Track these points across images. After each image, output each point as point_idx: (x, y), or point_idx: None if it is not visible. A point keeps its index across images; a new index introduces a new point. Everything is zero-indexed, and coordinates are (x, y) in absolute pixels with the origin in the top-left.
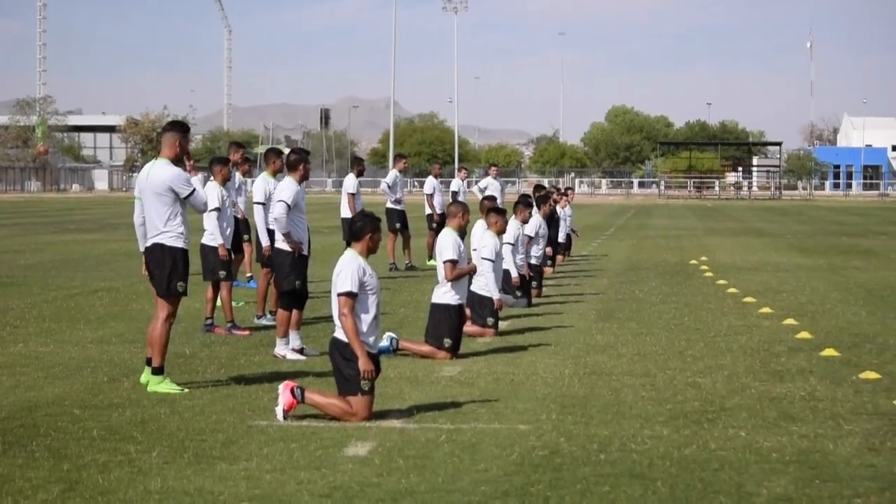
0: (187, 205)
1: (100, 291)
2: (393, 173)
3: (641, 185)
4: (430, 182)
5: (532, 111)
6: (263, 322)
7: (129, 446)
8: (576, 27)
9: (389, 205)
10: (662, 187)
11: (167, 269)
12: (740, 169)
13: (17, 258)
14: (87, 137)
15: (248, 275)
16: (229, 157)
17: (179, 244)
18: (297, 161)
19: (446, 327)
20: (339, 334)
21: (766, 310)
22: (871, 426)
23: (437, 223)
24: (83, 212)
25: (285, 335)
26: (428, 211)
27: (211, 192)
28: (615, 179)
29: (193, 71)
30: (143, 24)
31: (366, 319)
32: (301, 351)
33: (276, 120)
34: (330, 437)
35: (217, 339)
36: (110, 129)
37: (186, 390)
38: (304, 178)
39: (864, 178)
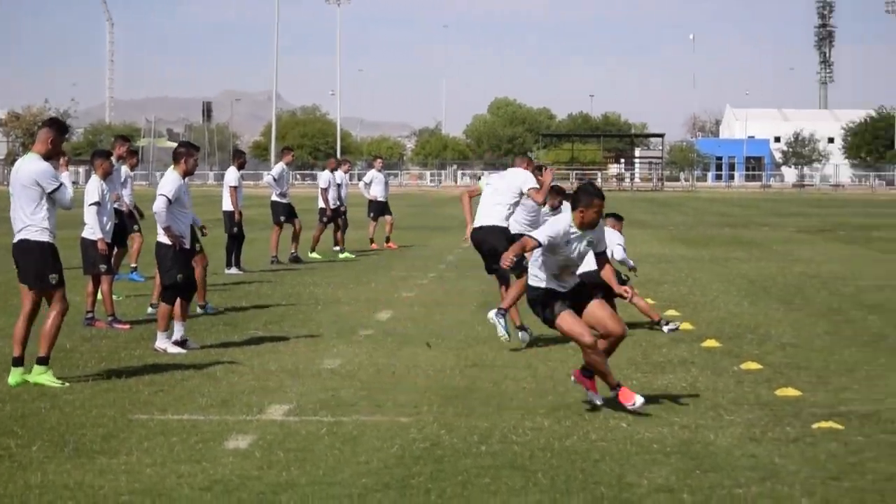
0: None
1: None
2: (280, 166)
3: None
4: (325, 176)
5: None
6: (198, 311)
7: (9, 441)
8: (459, 19)
9: (275, 198)
10: None
11: (38, 262)
12: (623, 160)
13: None
14: None
15: (133, 265)
16: (114, 150)
17: (45, 238)
18: (180, 154)
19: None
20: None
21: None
22: (752, 416)
23: (328, 218)
24: None
25: (166, 329)
26: (321, 205)
27: (91, 186)
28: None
29: (75, 64)
30: (22, 15)
31: None
32: (183, 343)
33: (158, 113)
34: (210, 431)
35: (98, 333)
36: None
37: (67, 384)
38: (188, 173)
39: (747, 169)
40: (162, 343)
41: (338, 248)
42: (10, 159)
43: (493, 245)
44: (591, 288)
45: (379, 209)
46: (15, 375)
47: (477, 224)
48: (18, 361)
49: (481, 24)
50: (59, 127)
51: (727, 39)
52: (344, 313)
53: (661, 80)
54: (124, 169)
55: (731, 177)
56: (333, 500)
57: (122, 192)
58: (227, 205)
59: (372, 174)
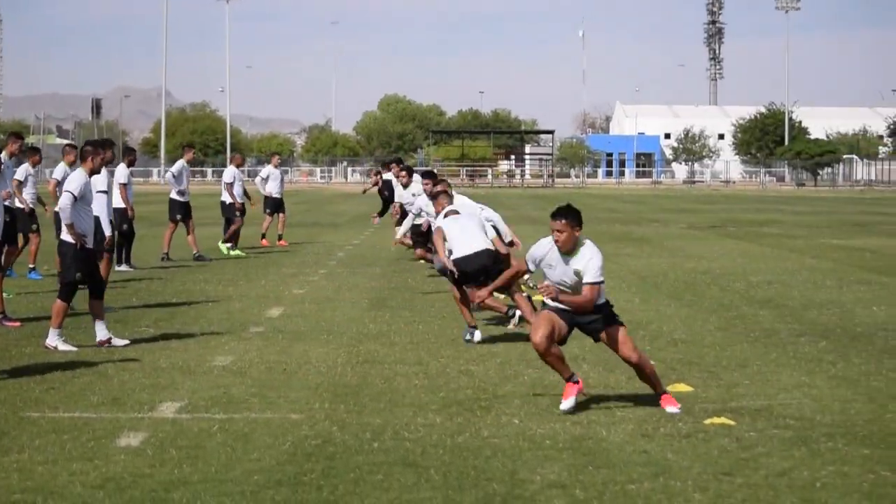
0: None
1: None
2: (180, 163)
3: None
4: (231, 171)
5: (305, 100)
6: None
7: None
8: (348, 16)
9: (174, 195)
10: None
11: None
12: (513, 157)
13: None
14: None
15: (31, 265)
16: (6, 147)
17: None
18: (87, 153)
19: None
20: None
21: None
22: (643, 412)
23: (239, 211)
24: None
25: (59, 326)
26: (227, 200)
27: None
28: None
29: None
30: None
31: None
32: (108, 341)
33: (47, 110)
34: (102, 429)
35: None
36: None
37: None
38: (94, 171)
39: (637, 165)
40: (53, 340)
41: (228, 244)
42: None
43: (483, 264)
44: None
45: (275, 205)
46: None
47: (464, 254)
48: None
49: (371, 20)
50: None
51: (617, 36)
52: (235, 310)
53: (550, 76)
54: (25, 166)
55: (622, 173)
56: (226, 497)
57: (25, 190)
58: (118, 202)
59: (268, 170)
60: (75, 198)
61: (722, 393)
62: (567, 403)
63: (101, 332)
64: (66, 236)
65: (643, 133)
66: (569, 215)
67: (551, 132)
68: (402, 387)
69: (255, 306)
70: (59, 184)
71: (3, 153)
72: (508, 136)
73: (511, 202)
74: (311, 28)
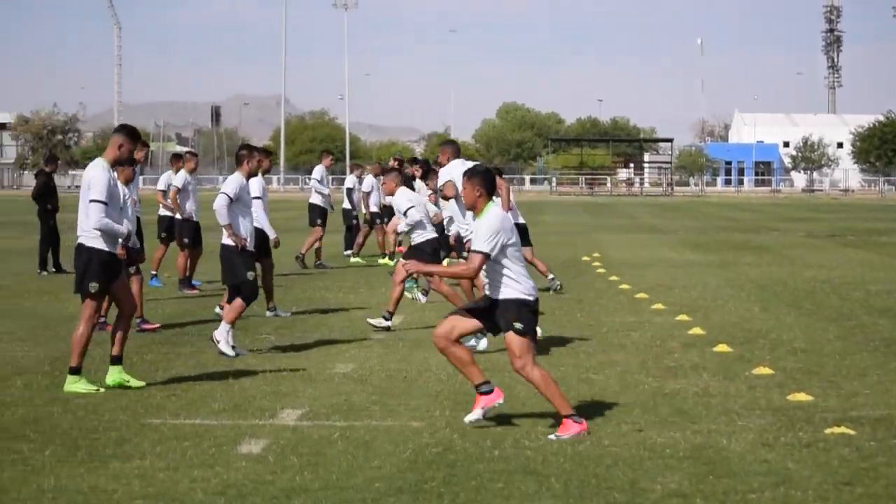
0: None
1: None
2: (321, 169)
3: (533, 181)
4: (369, 181)
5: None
6: (271, 315)
7: (22, 445)
8: (467, 24)
9: (315, 200)
10: (554, 184)
11: (82, 268)
12: (632, 165)
13: None
14: None
15: (153, 272)
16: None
17: (98, 245)
18: (242, 157)
19: None
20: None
21: (658, 306)
22: (764, 422)
23: (367, 221)
24: None
25: (232, 322)
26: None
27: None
28: (507, 176)
29: (83, 68)
30: (30, 19)
31: None
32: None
33: (166, 117)
34: (223, 435)
35: (109, 336)
36: (0, 126)
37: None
38: (251, 174)
39: (756, 174)
40: (221, 334)
41: (349, 252)
42: (20, 163)
43: None
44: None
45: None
46: (79, 384)
47: None
48: (76, 371)
49: (489, 27)
50: (129, 132)
51: (735, 44)
52: (356, 318)
53: (669, 84)
54: (170, 174)
55: (741, 182)
56: None
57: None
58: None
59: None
60: (231, 199)
61: (842, 402)
62: (472, 415)
63: (220, 331)
64: (226, 240)
65: (762, 141)
66: (473, 175)
67: (670, 140)
68: (523, 395)
69: (375, 314)
70: (179, 191)
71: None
72: (627, 144)
73: (630, 210)
74: (430, 36)
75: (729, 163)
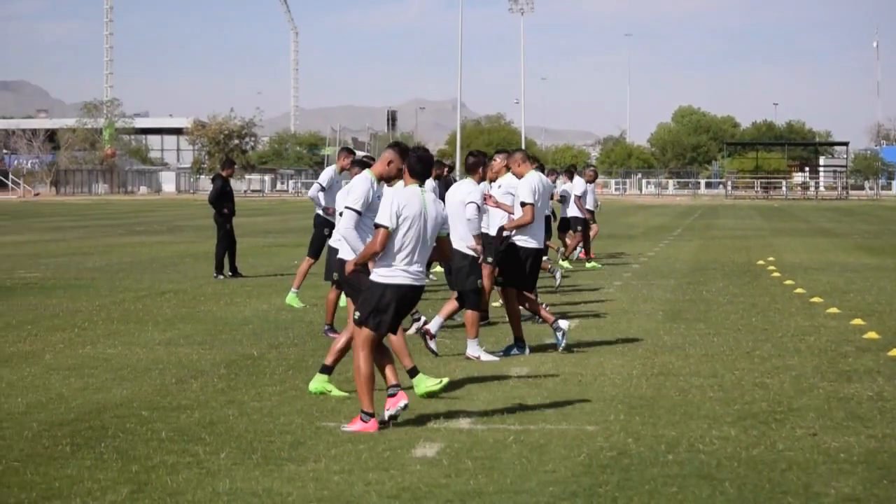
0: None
1: (167, 293)
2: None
3: (708, 185)
4: (580, 183)
5: (598, 112)
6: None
7: (198, 448)
8: (642, 27)
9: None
10: (729, 188)
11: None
12: (807, 169)
13: (85, 260)
14: (154, 140)
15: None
16: (337, 162)
17: (340, 253)
18: (476, 163)
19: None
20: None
21: (833, 310)
22: None
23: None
24: (150, 214)
25: (476, 335)
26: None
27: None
28: (682, 180)
29: (260, 73)
30: (208, 25)
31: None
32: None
33: (342, 122)
34: (398, 439)
35: (286, 340)
36: (177, 131)
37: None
38: (482, 179)
39: None
40: (474, 351)
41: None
42: (196, 167)
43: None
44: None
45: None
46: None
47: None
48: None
49: (664, 31)
50: (401, 150)
51: None
52: (528, 322)
53: (844, 87)
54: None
55: None
56: None
57: None
58: None
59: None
60: (479, 207)
61: None
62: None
63: (470, 348)
64: (462, 248)
65: None
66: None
67: (845, 144)
68: (697, 399)
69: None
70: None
71: (334, 167)
72: (802, 147)
73: (805, 214)
74: (606, 40)
75: None
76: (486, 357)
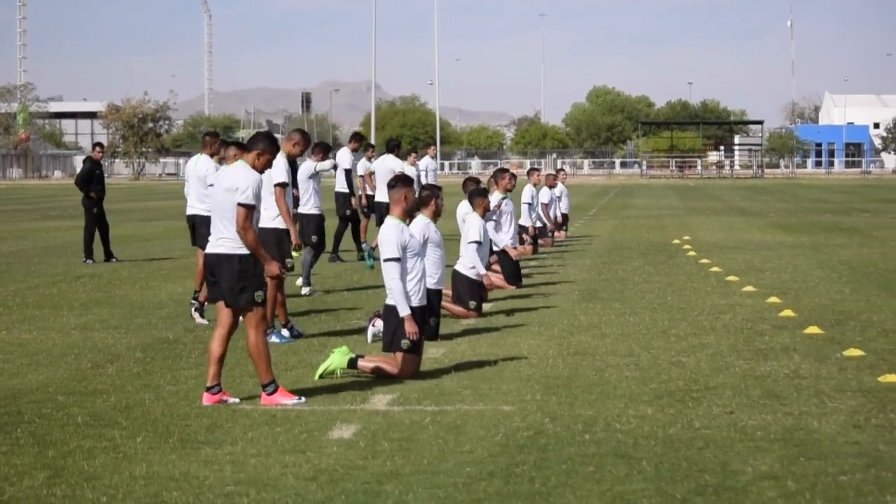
0: None
1: (83, 277)
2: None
3: (623, 165)
4: (545, 192)
5: (513, 92)
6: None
7: (114, 432)
8: (556, 7)
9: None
10: (644, 167)
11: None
12: (722, 148)
13: None
14: (68, 124)
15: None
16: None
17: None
18: (428, 197)
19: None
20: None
21: (749, 288)
22: (855, 403)
23: None
24: (65, 198)
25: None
26: None
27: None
28: (597, 160)
29: (173, 56)
30: (122, 9)
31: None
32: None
33: (256, 104)
34: (315, 421)
35: (200, 324)
36: (91, 115)
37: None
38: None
39: (847, 155)
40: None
41: None
42: (111, 151)
43: None
44: None
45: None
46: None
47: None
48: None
49: (579, 11)
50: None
51: (825, 26)
52: (446, 303)
53: (759, 66)
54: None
55: (831, 163)
56: (438, 489)
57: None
58: (343, 187)
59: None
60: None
61: None
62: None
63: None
64: None
65: (852, 123)
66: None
67: (760, 122)
68: (614, 378)
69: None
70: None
71: (345, 150)
72: (717, 126)
73: (720, 193)
74: (520, 20)
75: (819, 144)
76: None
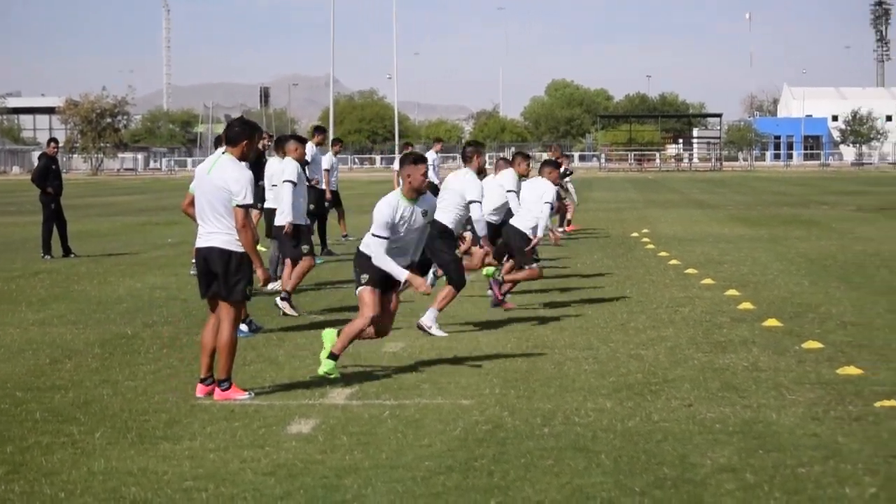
0: None
1: (41, 273)
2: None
3: (582, 158)
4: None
5: (472, 86)
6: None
7: (72, 428)
8: (515, 1)
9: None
10: (603, 160)
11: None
12: (681, 141)
13: None
14: (26, 119)
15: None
16: (311, 139)
17: None
18: (472, 153)
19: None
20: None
21: (708, 281)
22: (813, 396)
23: None
24: (23, 194)
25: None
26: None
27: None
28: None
29: (132, 51)
30: (81, 3)
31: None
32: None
33: (216, 99)
34: (273, 416)
35: (159, 318)
36: (49, 110)
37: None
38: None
39: (805, 148)
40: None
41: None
42: (69, 146)
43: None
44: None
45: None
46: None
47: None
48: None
49: (537, 5)
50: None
51: (783, 18)
52: (404, 297)
53: (717, 59)
54: (329, 155)
55: (790, 156)
56: (397, 483)
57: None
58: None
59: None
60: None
61: (892, 376)
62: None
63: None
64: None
65: (810, 116)
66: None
67: (719, 115)
68: (572, 372)
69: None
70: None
71: (310, 144)
72: (676, 119)
73: (679, 186)
74: (478, 14)
75: (778, 137)
76: (437, 331)
